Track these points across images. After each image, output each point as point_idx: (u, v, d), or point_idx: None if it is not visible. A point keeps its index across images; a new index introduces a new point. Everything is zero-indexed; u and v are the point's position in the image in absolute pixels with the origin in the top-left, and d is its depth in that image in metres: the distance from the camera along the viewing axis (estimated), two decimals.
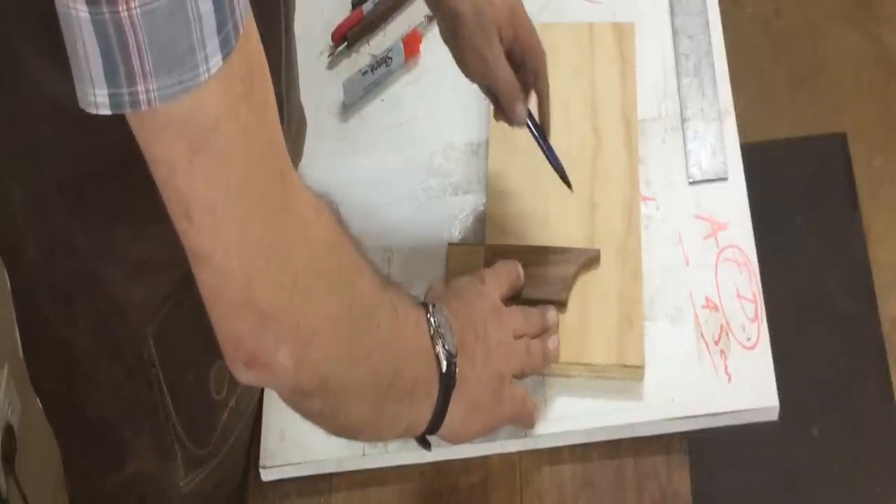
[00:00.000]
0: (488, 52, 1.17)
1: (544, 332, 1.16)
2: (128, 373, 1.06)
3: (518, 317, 1.14)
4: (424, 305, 1.04)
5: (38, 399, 1.14)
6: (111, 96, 0.76)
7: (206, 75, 0.76)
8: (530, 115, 1.20)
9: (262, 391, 1.22)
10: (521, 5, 1.18)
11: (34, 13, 0.85)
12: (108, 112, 0.77)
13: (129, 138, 0.81)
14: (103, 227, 0.99)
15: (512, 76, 1.18)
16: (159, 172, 0.81)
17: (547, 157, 1.22)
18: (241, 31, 0.77)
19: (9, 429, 1.67)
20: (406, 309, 1.01)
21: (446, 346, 1.02)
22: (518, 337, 1.13)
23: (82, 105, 0.77)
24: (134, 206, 0.97)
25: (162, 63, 0.75)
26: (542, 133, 1.22)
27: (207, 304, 0.86)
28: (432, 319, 1.03)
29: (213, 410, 1.13)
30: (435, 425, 1.04)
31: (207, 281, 0.85)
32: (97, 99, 0.76)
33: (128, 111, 0.77)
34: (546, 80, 1.20)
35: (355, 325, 0.93)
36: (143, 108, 0.76)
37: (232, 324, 0.86)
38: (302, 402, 0.94)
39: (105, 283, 1.01)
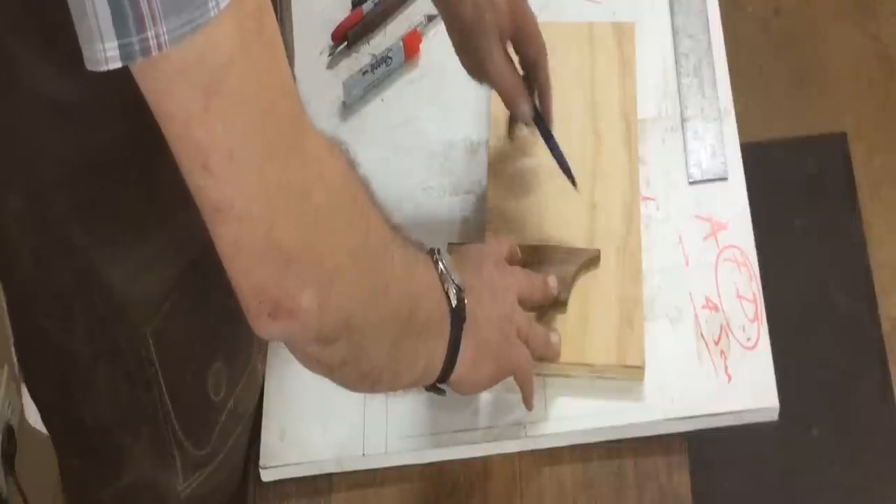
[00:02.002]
0: (487, 56, 1.17)
1: (547, 297, 1.16)
2: (126, 375, 1.06)
3: (520, 272, 1.15)
4: (430, 251, 1.04)
5: (36, 408, 1.14)
6: (121, 47, 0.75)
7: (216, 10, 0.76)
8: (536, 113, 1.21)
9: (261, 392, 1.22)
10: None
11: (22, 7, 0.85)
12: (118, 64, 0.76)
13: (126, 132, 0.80)
14: (103, 224, 0.98)
15: (513, 76, 1.18)
16: (174, 127, 0.80)
17: (552, 153, 1.22)
18: None
19: (9, 429, 1.67)
20: (415, 249, 1.02)
21: (454, 284, 1.03)
22: (522, 299, 1.13)
23: (91, 66, 0.77)
24: (134, 203, 0.97)
25: (170, 3, 0.75)
26: (547, 131, 1.22)
27: (227, 262, 0.85)
28: (439, 263, 1.03)
29: (212, 411, 1.13)
30: (448, 367, 1.04)
31: (227, 234, 0.84)
32: (107, 54, 0.76)
33: (139, 60, 0.76)
34: (546, 71, 1.20)
35: (373, 258, 0.93)
36: (153, 53, 0.76)
37: (254, 275, 0.85)
38: (325, 351, 0.93)
39: (105, 281, 1.01)
